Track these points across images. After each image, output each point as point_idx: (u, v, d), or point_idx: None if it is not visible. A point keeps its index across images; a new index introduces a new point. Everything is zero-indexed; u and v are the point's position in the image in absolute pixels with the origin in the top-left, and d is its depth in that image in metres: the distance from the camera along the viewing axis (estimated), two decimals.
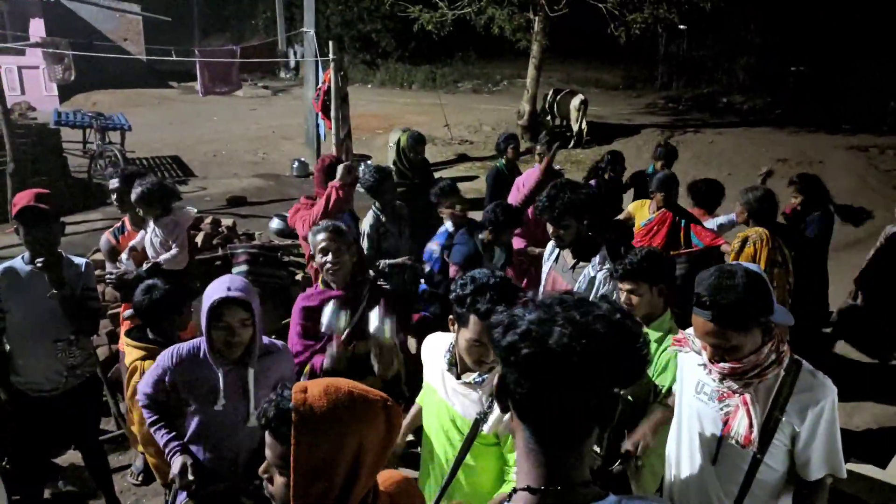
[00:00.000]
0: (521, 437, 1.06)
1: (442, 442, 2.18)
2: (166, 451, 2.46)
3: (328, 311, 2.70)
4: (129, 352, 2.92)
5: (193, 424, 2.51)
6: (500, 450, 2.09)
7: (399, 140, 6.17)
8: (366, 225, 4.53)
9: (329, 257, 2.86)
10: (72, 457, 3.91)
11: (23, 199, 3.01)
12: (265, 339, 2.57)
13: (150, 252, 3.86)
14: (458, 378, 2.14)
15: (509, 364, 1.01)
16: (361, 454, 1.29)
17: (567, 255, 3.33)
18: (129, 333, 3.03)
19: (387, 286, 3.25)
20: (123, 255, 3.80)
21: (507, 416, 1.11)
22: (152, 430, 2.52)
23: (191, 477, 2.36)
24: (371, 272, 4.56)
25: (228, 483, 2.46)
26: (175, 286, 3.03)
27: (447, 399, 2.17)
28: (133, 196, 3.77)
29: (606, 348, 0.97)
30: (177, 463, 2.39)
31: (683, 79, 20.00)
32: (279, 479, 1.33)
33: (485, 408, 2.06)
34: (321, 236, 2.88)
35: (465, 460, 2.10)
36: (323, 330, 2.75)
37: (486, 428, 2.06)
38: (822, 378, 1.96)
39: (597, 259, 3.21)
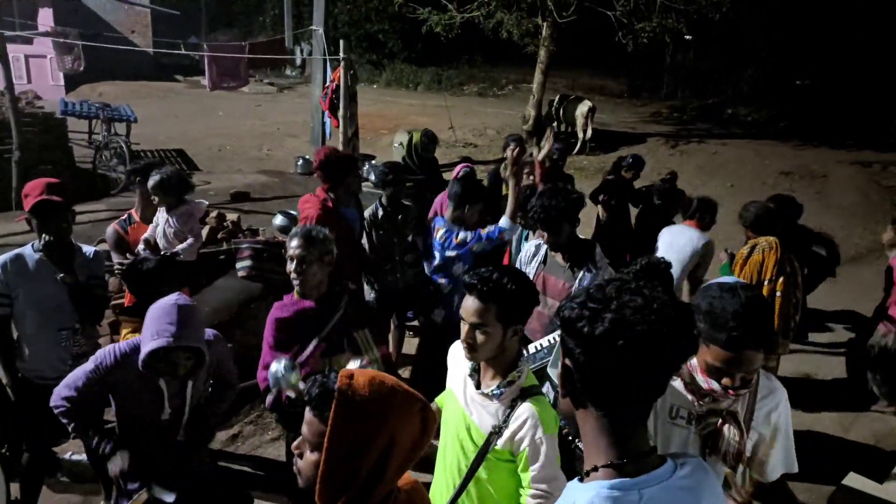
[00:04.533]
0: (591, 419, 1.14)
1: (456, 450, 2.15)
2: (100, 449, 2.41)
3: (278, 367, 2.51)
4: (124, 326, 2.95)
5: (126, 432, 2.49)
6: (514, 467, 2.05)
7: (412, 137, 6.27)
8: (366, 214, 4.59)
9: (292, 265, 2.68)
10: (71, 446, 3.91)
11: (35, 189, 3.00)
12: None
13: (161, 242, 3.89)
14: (478, 387, 2.11)
15: (599, 353, 1.07)
16: (392, 448, 1.33)
17: (558, 256, 3.36)
18: (125, 310, 3.05)
19: (367, 302, 3.10)
20: (140, 247, 3.82)
21: (564, 401, 1.18)
22: (80, 434, 2.46)
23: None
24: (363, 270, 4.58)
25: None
26: (166, 261, 3.05)
27: (465, 407, 2.14)
28: (150, 183, 3.81)
29: (679, 331, 1.08)
30: (117, 461, 2.39)
31: (689, 89, 20.07)
32: (310, 456, 1.37)
33: (500, 421, 2.02)
34: (293, 242, 2.70)
35: (478, 473, 2.07)
36: (270, 384, 2.56)
37: (500, 442, 2.02)
38: (775, 381, 2.00)
39: (597, 258, 3.28)
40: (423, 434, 1.38)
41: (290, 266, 2.69)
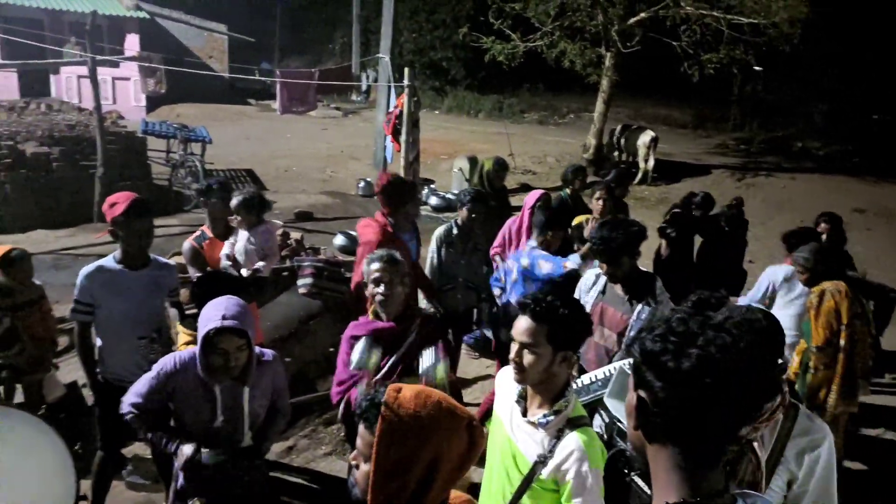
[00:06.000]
0: (664, 455, 1.12)
1: (501, 478, 2.15)
2: (170, 446, 2.51)
3: (359, 347, 2.65)
4: (181, 337, 3.12)
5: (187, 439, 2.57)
6: (558, 497, 2.02)
7: (482, 165, 6.39)
8: (437, 231, 4.74)
9: (381, 289, 2.78)
10: (137, 448, 4.10)
11: (123, 197, 3.20)
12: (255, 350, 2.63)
13: (240, 258, 4.09)
14: (524, 415, 2.11)
15: (682, 388, 1.06)
16: (438, 463, 1.35)
17: (618, 287, 3.34)
18: (183, 321, 3.22)
19: (438, 321, 3.22)
20: (226, 262, 4.05)
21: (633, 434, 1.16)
22: (148, 436, 2.57)
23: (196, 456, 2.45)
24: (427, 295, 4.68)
25: (224, 460, 2.54)
26: (234, 280, 3.18)
27: (511, 434, 2.14)
28: (233, 203, 4.05)
29: (763, 373, 1.08)
30: (187, 449, 2.46)
31: (757, 121, 19.53)
32: (363, 468, 1.41)
33: (545, 451, 2.01)
34: (375, 266, 2.81)
35: (522, 501, 2.06)
36: (351, 368, 2.71)
37: (544, 472, 2.01)
38: (820, 423, 1.93)
39: (657, 291, 3.25)
40: (470, 450, 1.39)
41: (376, 288, 2.78)
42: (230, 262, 4.07)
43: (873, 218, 10.93)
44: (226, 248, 4.12)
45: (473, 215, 4.69)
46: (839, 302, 3.76)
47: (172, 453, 2.52)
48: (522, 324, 2.03)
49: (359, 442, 1.43)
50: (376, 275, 2.79)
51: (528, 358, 2.01)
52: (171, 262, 3.57)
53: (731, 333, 1.07)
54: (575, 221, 5.07)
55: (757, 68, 15.51)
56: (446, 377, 2.71)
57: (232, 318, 2.39)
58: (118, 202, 3.19)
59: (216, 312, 2.41)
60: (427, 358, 2.67)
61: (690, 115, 20.99)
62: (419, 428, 1.34)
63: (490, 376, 5.36)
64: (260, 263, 4.11)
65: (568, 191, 6.01)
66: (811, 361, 3.70)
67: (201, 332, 2.41)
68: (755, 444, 1.88)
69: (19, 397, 4.07)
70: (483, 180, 6.29)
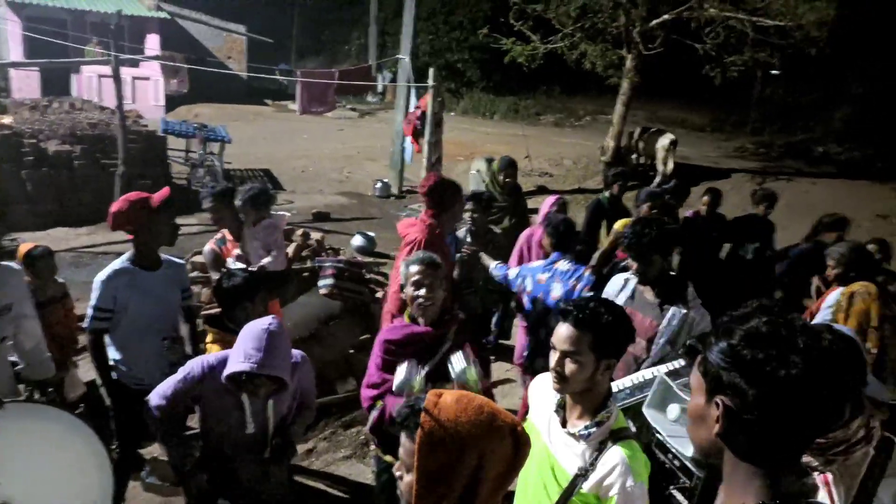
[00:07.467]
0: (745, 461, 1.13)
1: (538, 491, 2.06)
2: (184, 468, 2.51)
3: (403, 369, 2.59)
4: (208, 336, 3.21)
5: (209, 443, 2.57)
6: None
7: (491, 163, 6.38)
8: (458, 234, 4.70)
9: (422, 292, 2.69)
10: (155, 449, 4.08)
11: (140, 195, 3.16)
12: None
13: (251, 256, 4.09)
14: (564, 425, 2.03)
15: (784, 396, 1.04)
16: (482, 469, 1.31)
17: (647, 292, 3.24)
18: (209, 320, 3.20)
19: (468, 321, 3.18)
20: (230, 260, 4.01)
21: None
22: (165, 443, 2.55)
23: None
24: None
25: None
26: (252, 276, 3.14)
27: (550, 445, 2.06)
28: (239, 199, 4.02)
29: (852, 382, 1.12)
30: (195, 483, 2.47)
31: (777, 124, 19.29)
32: (407, 478, 1.37)
33: (587, 463, 1.93)
34: (415, 268, 2.71)
35: None
36: (394, 389, 2.65)
37: (585, 486, 1.93)
38: None
39: (688, 297, 3.15)
40: (515, 454, 1.36)
41: (416, 292, 2.69)
42: (235, 260, 4.04)
43: None
44: (237, 249, 4.11)
45: (475, 215, 4.68)
46: (869, 304, 3.69)
47: (185, 475, 2.51)
48: (564, 331, 1.95)
49: (401, 452, 1.39)
50: (416, 278, 2.70)
51: (570, 367, 1.93)
52: (181, 261, 3.55)
53: (825, 339, 1.06)
54: (618, 225, 4.93)
55: (775, 72, 15.30)
56: (479, 380, 2.63)
57: (268, 366, 2.31)
58: (150, 196, 3.13)
59: (253, 353, 2.30)
60: (457, 362, 2.60)
61: (708, 119, 20.78)
62: (460, 434, 1.30)
63: (510, 380, 5.29)
64: (265, 259, 4.07)
65: (607, 194, 5.93)
66: None
67: (235, 368, 2.33)
68: (829, 477, 1.79)
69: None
70: (493, 179, 6.27)
